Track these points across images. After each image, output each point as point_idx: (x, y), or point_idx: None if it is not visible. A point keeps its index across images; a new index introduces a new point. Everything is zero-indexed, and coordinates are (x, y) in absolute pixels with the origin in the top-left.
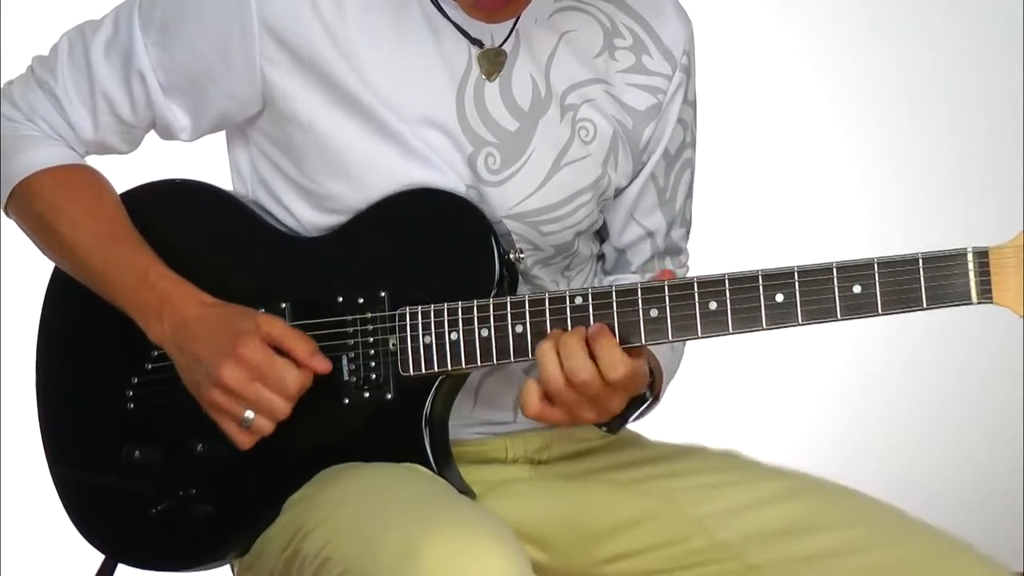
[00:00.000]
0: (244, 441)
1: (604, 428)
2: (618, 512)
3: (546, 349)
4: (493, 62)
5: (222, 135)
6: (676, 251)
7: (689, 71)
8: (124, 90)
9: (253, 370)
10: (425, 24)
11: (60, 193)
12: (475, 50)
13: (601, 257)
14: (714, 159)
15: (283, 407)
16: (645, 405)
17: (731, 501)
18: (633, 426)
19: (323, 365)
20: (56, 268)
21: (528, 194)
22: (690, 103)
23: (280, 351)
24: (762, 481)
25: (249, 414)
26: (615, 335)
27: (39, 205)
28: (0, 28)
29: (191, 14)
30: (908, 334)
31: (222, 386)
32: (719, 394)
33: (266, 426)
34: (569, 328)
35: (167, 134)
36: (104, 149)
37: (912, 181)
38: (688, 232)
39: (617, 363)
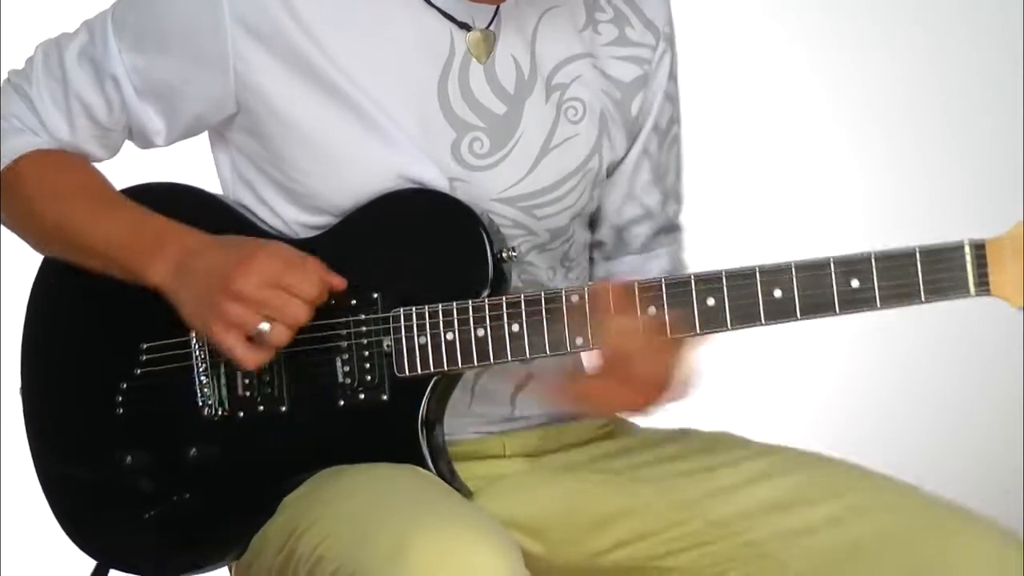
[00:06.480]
0: (253, 359)
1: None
2: (613, 502)
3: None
4: (483, 44)
5: (205, 138)
6: (672, 228)
7: (672, 42)
8: (98, 93)
9: (269, 277)
10: (403, 9)
11: (46, 172)
12: (460, 33)
13: (598, 245)
14: (713, 154)
15: (303, 310)
16: None
17: (724, 481)
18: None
19: (339, 281)
20: (38, 275)
21: (520, 178)
22: (674, 78)
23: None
24: (753, 459)
25: (264, 325)
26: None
27: (27, 187)
28: (0, 28)
29: (164, 16)
30: (907, 335)
31: (236, 295)
32: (719, 394)
33: (283, 334)
34: (566, 326)
35: (143, 141)
36: (81, 155)
37: (910, 174)
38: (680, 209)
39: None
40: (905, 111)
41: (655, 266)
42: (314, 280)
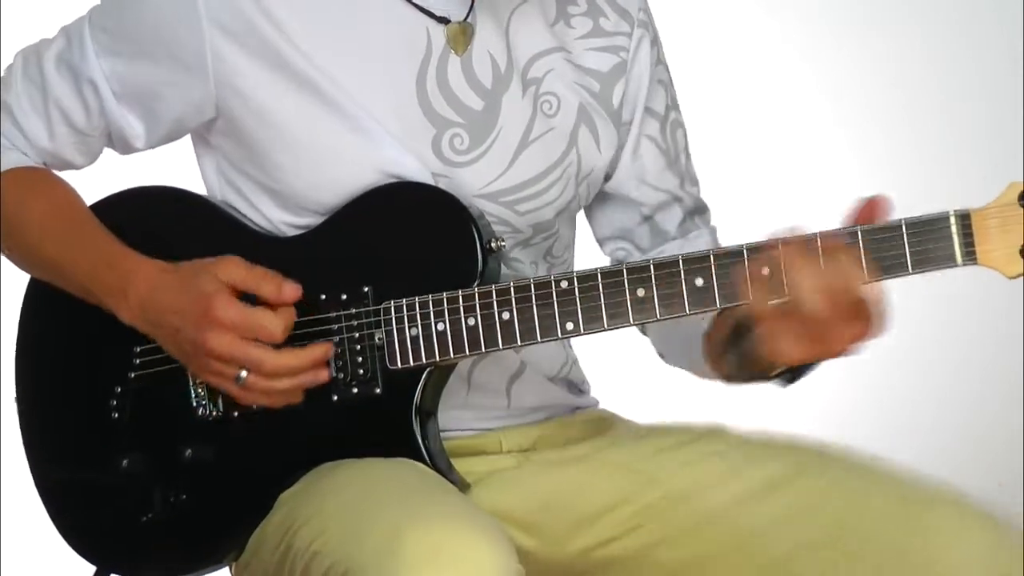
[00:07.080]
0: (244, 397)
1: (781, 380)
2: (603, 495)
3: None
4: (461, 36)
5: (188, 142)
6: (702, 208)
7: (649, 27)
8: (77, 99)
9: (236, 329)
10: (379, 4)
11: (21, 192)
12: (437, 27)
13: (629, 238)
14: (711, 152)
15: (269, 359)
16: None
17: (714, 472)
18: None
19: (293, 293)
20: (32, 280)
21: (499, 173)
22: (663, 64)
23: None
24: (741, 449)
25: (243, 373)
26: (603, 316)
27: (1, 207)
28: (0, 28)
29: (141, 20)
30: (906, 334)
31: (212, 355)
32: (718, 391)
33: (259, 381)
34: (556, 311)
35: (123, 145)
36: (61, 163)
37: (909, 173)
38: (699, 189)
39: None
40: (905, 110)
41: (699, 245)
42: (272, 319)
